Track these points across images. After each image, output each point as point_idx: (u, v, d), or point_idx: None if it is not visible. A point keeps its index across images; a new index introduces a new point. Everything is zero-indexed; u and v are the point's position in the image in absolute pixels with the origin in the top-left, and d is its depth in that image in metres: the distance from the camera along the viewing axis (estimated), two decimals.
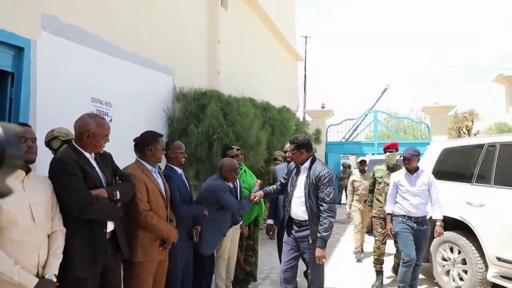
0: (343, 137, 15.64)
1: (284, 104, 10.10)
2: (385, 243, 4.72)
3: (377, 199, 4.85)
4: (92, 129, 2.22)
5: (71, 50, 4.43)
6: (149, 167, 2.73)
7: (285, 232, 3.43)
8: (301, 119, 13.25)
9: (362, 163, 6.53)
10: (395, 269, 4.88)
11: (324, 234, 3.03)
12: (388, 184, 4.56)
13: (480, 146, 4.25)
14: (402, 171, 4.17)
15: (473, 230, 4.02)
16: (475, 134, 12.15)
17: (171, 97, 6.37)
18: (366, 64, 67.16)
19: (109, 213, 2.18)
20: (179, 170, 3.22)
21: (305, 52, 17.65)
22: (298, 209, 3.24)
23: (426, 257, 4.69)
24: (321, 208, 3.08)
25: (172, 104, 6.34)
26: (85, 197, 2.02)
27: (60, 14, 4.28)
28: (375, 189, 4.93)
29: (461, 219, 4.17)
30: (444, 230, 4.47)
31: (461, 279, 4.19)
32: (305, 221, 3.19)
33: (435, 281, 4.57)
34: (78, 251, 2.04)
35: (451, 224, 4.36)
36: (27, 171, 1.89)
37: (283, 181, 3.56)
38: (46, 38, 4.11)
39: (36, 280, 1.79)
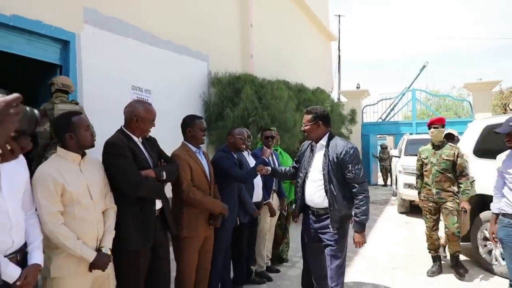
0: (380, 117, 15.29)
1: (318, 85, 10.02)
2: (437, 229, 4.31)
3: (425, 183, 4.34)
4: (140, 114, 2.39)
5: (111, 41, 4.66)
6: (193, 148, 2.89)
7: (302, 223, 3.04)
8: (336, 100, 13.08)
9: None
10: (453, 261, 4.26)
11: (363, 217, 2.68)
12: (435, 164, 4.20)
13: None
14: (507, 153, 2.98)
15: None
16: None
17: (207, 82, 6.53)
18: (404, 41, 64.45)
19: (157, 191, 2.36)
20: (235, 155, 3.37)
21: (339, 32, 17.25)
22: (316, 194, 2.80)
23: (467, 236, 4.62)
24: (354, 190, 2.68)
25: (208, 89, 6.50)
26: (136, 177, 2.20)
27: (100, 7, 4.49)
28: (423, 172, 4.39)
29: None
30: (485, 209, 4.39)
31: (503, 259, 4.10)
32: (325, 208, 2.77)
33: (473, 259, 4.50)
34: (131, 227, 2.24)
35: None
36: (83, 155, 2.09)
37: (295, 164, 3.17)
38: (89, 31, 4.35)
39: (95, 253, 1.99)
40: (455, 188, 4.15)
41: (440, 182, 4.19)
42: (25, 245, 1.76)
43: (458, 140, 5.43)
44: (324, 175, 2.74)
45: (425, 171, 4.37)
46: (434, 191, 4.23)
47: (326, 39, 15.09)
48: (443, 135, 4.34)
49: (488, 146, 4.61)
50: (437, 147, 4.30)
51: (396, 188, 9.18)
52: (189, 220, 2.72)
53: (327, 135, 2.86)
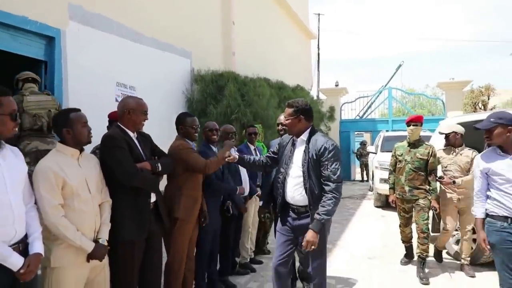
0: (357, 115, 15.69)
1: (298, 82, 10.24)
2: (409, 225, 4.41)
3: (399, 180, 4.35)
4: (131, 106, 2.52)
5: (96, 38, 4.68)
6: (190, 143, 3.04)
7: (279, 220, 2.89)
8: (315, 98, 13.36)
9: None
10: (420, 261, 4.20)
11: (324, 217, 2.50)
12: (409, 162, 4.23)
13: None
14: (490, 152, 2.76)
15: None
16: (491, 109, 12.10)
17: (190, 79, 6.61)
18: (381, 41, 65.91)
19: (152, 184, 2.48)
20: (214, 148, 3.51)
21: (318, 30, 17.53)
22: (296, 192, 2.68)
23: (438, 228, 4.93)
24: (326, 188, 2.54)
25: (191, 86, 6.58)
26: (131, 168, 2.32)
27: (85, 4, 4.51)
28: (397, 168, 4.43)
29: None
30: None
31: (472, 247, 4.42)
32: (305, 206, 2.65)
33: (446, 251, 4.81)
34: (127, 218, 2.35)
35: None
36: (81, 150, 2.18)
37: (272, 154, 3.01)
38: (74, 27, 4.37)
39: (93, 244, 2.10)
40: (427, 186, 4.22)
41: (412, 180, 4.23)
42: (25, 236, 1.85)
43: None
44: (303, 172, 2.62)
45: (399, 168, 4.38)
46: (406, 188, 4.26)
47: (306, 37, 15.34)
48: (420, 133, 4.34)
49: None
50: (412, 145, 4.32)
51: (372, 183, 9.51)
52: (187, 202, 2.87)
53: (308, 130, 2.72)
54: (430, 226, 4.59)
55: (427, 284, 3.91)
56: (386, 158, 8.34)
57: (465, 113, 11.42)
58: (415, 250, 4.31)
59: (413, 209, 4.31)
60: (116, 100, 5.03)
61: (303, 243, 2.54)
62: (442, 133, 4.44)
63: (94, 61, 4.64)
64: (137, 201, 2.41)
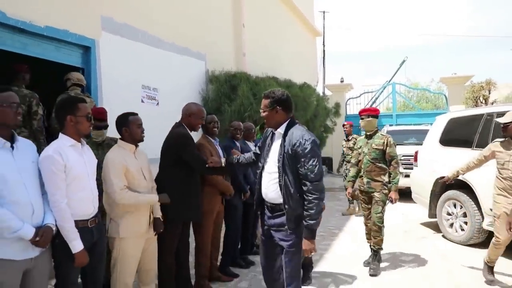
0: None
1: (304, 79, 10.70)
2: (371, 219, 4.20)
3: (361, 172, 4.32)
4: (193, 110, 3.13)
5: (124, 46, 5.24)
6: (212, 139, 3.56)
7: (259, 219, 2.78)
8: (321, 94, 13.82)
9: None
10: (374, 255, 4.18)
11: (311, 222, 2.36)
12: (366, 154, 4.18)
13: (480, 116, 4.88)
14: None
15: (472, 188, 4.70)
16: (492, 103, 12.47)
17: (205, 79, 7.15)
18: (386, 34, 65.91)
19: (217, 172, 3.17)
20: (237, 143, 4.09)
21: (323, 27, 17.94)
22: (270, 188, 2.52)
23: (434, 213, 5.44)
24: (304, 188, 2.38)
25: (206, 86, 7.12)
26: (203, 160, 2.97)
27: (115, 15, 5.06)
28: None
29: (462, 179, 4.84)
30: (448, 190, 5.20)
31: (462, 230, 4.92)
32: (279, 204, 2.48)
33: (442, 234, 5.31)
34: (180, 203, 2.92)
35: (455, 183, 5.04)
36: (136, 146, 2.74)
37: (257, 151, 2.83)
38: (106, 37, 4.92)
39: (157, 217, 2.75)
40: (385, 178, 4.11)
41: (370, 171, 4.16)
42: (98, 212, 2.39)
43: None
44: (279, 168, 2.46)
45: (359, 160, 4.34)
46: (365, 180, 4.20)
47: (311, 35, 15.78)
48: (375, 125, 4.26)
49: (451, 136, 5.41)
50: (369, 136, 4.25)
51: None
52: (208, 196, 3.40)
53: (286, 122, 2.55)
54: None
55: (374, 275, 3.94)
56: None
57: (466, 107, 11.83)
58: (370, 244, 4.24)
59: (372, 203, 4.20)
60: (142, 101, 5.61)
61: (304, 253, 2.47)
62: (501, 123, 3.58)
63: (122, 66, 5.19)
64: (190, 190, 2.99)
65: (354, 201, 6.84)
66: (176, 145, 2.97)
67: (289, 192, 2.42)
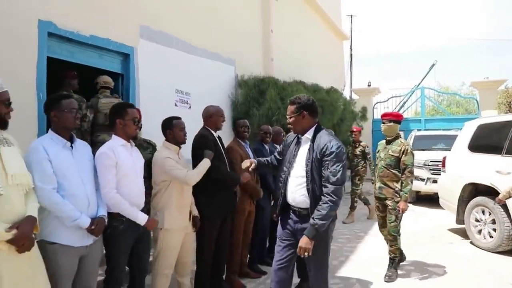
0: None
1: (330, 83, 10.78)
2: (385, 227, 4.18)
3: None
4: (212, 112, 3.37)
5: (160, 52, 5.52)
6: (242, 143, 3.76)
7: (279, 222, 2.75)
8: (348, 98, 13.82)
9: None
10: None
11: (318, 222, 2.36)
12: (382, 159, 4.12)
13: (510, 123, 4.85)
14: None
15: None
16: None
17: (234, 84, 7.37)
18: (415, 35, 64.61)
19: (228, 178, 3.33)
20: (266, 146, 4.27)
21: (351, 31, 17.90)
22: (297, 192, 2.55)
23: (462, 219, 5.42)
24: (324, 190, 2.41)
25: (235, 90, 7.34)
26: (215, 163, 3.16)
27: (151, 23, 5.35)
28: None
29: (491, 185, 4.82)
30: (476, 196, 5.18)
31: (491, 236, 4.89)
32: (307, 209, 2.51)
33: (470, 240, 5.29)
34: (214, 201, 3.16)
35: (484, 190, 5.03)
36: (180, 147, 3.00)
37: (277, 156, 2.91)
38: (143, 44, 5.21)
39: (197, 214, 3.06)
40: (398, 186, 4.02)
41: (383, 177, 4.09)
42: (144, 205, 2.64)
43: None
44: (307, 172, 2.49)
45: (376, 165, 4.30)
46: (377, 185, 4.16)
47: (338, 39, 15.78)
48: (397, 130, 4.19)
49: (480, 142, 5.39)
50: (388, 142, 4.19)
51: None
52: (240, 200, 3.60)
53: (313, 127, 2.60)
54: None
55: (390, 282, 3.96)
56: (416, 156, 8.78)
57: (499, 113, 11.55)
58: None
59: (386, 210, 4.14)
60: (175, 105, 5.88)
61: (297, 251, 2.44)
62: None
63: (158, 72, 5.48)
64: (220, 188, 3.20)
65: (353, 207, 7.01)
66: (195, 146, 3.20)
67: (316, 196, 2.45)
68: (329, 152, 2.43)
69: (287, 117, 2.68)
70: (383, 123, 4.16)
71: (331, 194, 2.38)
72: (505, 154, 4.80)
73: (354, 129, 7.43)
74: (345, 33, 16.38)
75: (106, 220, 2.30)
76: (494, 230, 4.84)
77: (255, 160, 2.90)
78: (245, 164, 2.83)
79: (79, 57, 4.40)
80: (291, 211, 2.63)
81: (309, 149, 2.54)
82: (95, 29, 4.49)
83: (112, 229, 2.34)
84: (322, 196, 2.41)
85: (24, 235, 1.79)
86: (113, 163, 2.34)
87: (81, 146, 2.33)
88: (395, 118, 4.16)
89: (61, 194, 2.10)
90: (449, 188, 5.85)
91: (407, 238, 5.65)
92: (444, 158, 6.18)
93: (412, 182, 4.03)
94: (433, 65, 17.14)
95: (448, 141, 8.37)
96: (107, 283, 2.48)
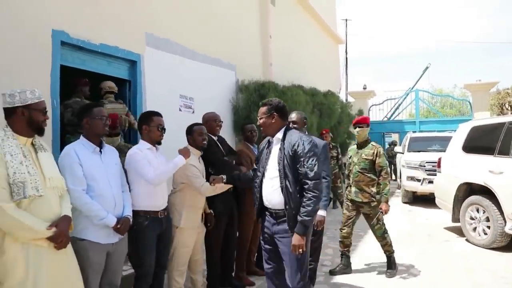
0: (385, 116, 16.25)
1: (327, 86, 11.02)
2: (348, 226, 4.26)
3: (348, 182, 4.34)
4: (207, 118, 3.69)
5: (164, 59, 5.69)
6: (251, 145, 3.94)
7: (260, 227, 2.79)
8: (344, 101, 14.09)
9: None
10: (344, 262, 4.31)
11: (306, 218, 2.40)
12: (356, 164, 4.19)
13: (502, 124, 5.08)
14: None
15: (494, 193, 4.90)
16: None
17: (235, 89, 7.56)
18: (408, 36, 65.32)
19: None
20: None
21: (346, 35, 18.19)
22: (273, 194, 2.57)
23: (457, 218, 5.64)
24: (305, 187, 2.44)
25: (236, 95, 7.52)
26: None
27: (156, 31, 5.52)
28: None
29: (485, 185, 5.05)
30: (471, 195, 5.41)
31: (485, 233, 5.11)
32: (283, 209, 2.52)
33: (465, 238, 5.50)
34: (222, 198, 3.33)
35: (478, 189, 5.26)
36: (201, 151, 3.21)
37: (255, 166, 2.91)
38: (149, 51, 5.38)
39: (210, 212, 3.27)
40: (374, 189, 4.10)
41: (359, 182, 4.15)
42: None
43: None
44: (279, 171, 2.53)
45: (350, 170, 4.32)
46: (353, 190, 4.19)
47: (334, 43, 16.05)
48: (366, 134, 4.29)
49: (474, 143, 5.62)
50: (360, 146, 4.26)
51: (400, 181, 10.16)
52: (249, 197, 3.76)
53: (283, 128, 2.66)
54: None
55: (391, 277, 4.12)
56: (412, 157, 9.06)
57: (492, 114, 11.84)
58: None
59: (355, 212, 4.26)
60: (180, 109, 6.05)
61: (291, 249, 2.45)
62: None
63: (163, 78, 5.64)
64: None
65: None
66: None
67: (289, 193, 2.48)
68: (301, 148, 2.48)
69: (258, 118, 2.75)
70: (359, 127, 4.21)
71: (312, 190, 2.43)
72: (497, 154, 5.02)
73: (323, 131, 7.46)
74: (340, 37, 16.65)
75: (131, 220, 2.47)
76: (488, 227, 5.06)
77: (221, 177, 2.96)
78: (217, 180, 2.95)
79: (89, 64, 4.55)
80: (267, 213, 2.65)
81: (280, 148, 2.60)
82: (104, 37, 4.65)
83: (138, 225, 2.52)
84: (304, 193, 2.44)
85: (62, 233, 1.96)
86: (144, 157, 2.61)
87: (109, 151, 2.52)
88: (367, 122, 4.28)
89: (90, 195, 2.28)
90: (444, 188, 6.07)
91: (405, 237, 5.87)
92: (440, 159, 6.41)
93: (389, 183, 4.16)
94: (427, 67, 17.51)
95: (442, 143, 8.62)
96: (137, 280, 2.67)
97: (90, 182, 2.30)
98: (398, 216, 7.69)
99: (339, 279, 4.13)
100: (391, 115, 16.61)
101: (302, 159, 2.46)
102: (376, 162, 4.09)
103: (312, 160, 2.45)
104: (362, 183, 4.13)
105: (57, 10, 4.11)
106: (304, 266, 2.54)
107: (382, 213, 4.08)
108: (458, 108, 26.20)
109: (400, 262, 4.56)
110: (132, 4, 5.10)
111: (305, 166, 2.44)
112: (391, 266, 4.28)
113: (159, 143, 2.90)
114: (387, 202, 4.07)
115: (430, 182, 7.90)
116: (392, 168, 14.21)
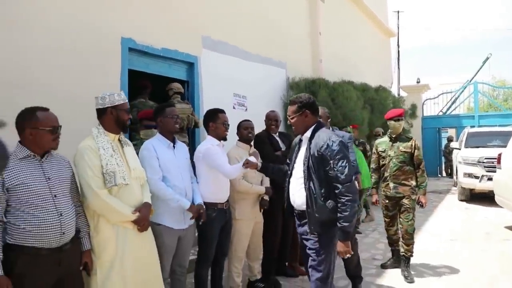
0: (440, 111, 15.57)
1: (378, 81, 10.84)
2: (393, 225, 4.20)
3: (385, 177, 4.16)
4: (266, 117, 3.97)
5: (219, 60, 6.00)
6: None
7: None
8: (396, 95, 13.72)
9: None
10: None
11: (345, 224, 2.29)
12: (393, 158, 4.05)
13: None
14: None
15: None
16: None
17: (285, 86, 7.73)
18: (468, 29, 61.48)
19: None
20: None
21: (398, 28, 17.63)
22: (298, 194, 2.49)
23: None
24: (336, 191, 2.32)
25: (287, 92, 7.69)
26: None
27: (212, 34, 5.84)
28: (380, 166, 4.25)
29: None
30: None
31: None
32: (305, 211, 2.43)
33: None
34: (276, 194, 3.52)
35: None
36: (250, 146, 3.44)
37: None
38: (205, 53, 5.71)
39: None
40: (413, 182, 4.02)
41: (398, 176, 4.04)
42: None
43: None
44: (304, 171, 2.42)
45: (383, 165, 4.17)
46: (391, 185, 4.06)
47: (385, 36, 15.64)
48: (401, 127, 4.16)
49: None
50: (394, 139, 4.14)
51: (456, 178, 9.78)
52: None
53: (313, 126, 2.52)
54: None
55: (411, 282, 3.88)
56: (470, 153, 8.71)
57: None
58: (400, 249, 4.14)
59: (397, 208, 4.12)
60: (234, 107, 6.35)
61: (339, 255, 2.40)
62: None
63: (218, 77, 5.96)
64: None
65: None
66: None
67: (312, 196, 2.36)
68: (330, 150, 2.34)
69: (288, 117, 2.61)
70: (402, 120, 4.14)
71: (346, 193, 2.30)
72: None
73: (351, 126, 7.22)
74: (392, 30, 16.18)
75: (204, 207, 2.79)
76: None
77: (257, 163, 2.85)
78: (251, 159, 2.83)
79: (152, 67, 4.96)
80: (295, 213, 2.59)
81: (306, 148, 2.48)
82: (165, 42, 5.04)
83: (207, 217, 2.80)
84: (337, 199, 2.33)
85: (145, 217, 2.28)
86: (218, 153, 2.89)
87: (181, 146, 2.84)
88: (401, 115, 4.18)
89: (166, 185, 2.59)
90: (505, 185, 5.82)
91: (461, 234, 5.72)
92: (500, 154, 6.15)
93: (426, 176, 4.10)
94: (487, 58, 16.52)
95: (503, 138, 8.20)
96: (199, 261, 2.97)
97: (165, 174, 2.60)
98: (453, 213, 7.47)
99: (390, 272, 4.17)
100: (447, 110, 15.88)
101: (331, 161, 2.33)
102: (415, 154, 4.02)
103: (342, 162, 2.32)
104: (401, 177, 4.04)
105: (125, 19, 4.53)
106: (327, 268, 2.43)
107: (422, 206, 4.04)
108: None
109: (456, 258, 4.51)
110: (189, 9, 5.45)
111: (335, 169, 2.32)
112: (407, 269, 4.04)
113: (225, 139, 3.13)
114: (425, 194, 4.04)
115: (489, 179, 7.56)
116: (449, 164, 13.66)
